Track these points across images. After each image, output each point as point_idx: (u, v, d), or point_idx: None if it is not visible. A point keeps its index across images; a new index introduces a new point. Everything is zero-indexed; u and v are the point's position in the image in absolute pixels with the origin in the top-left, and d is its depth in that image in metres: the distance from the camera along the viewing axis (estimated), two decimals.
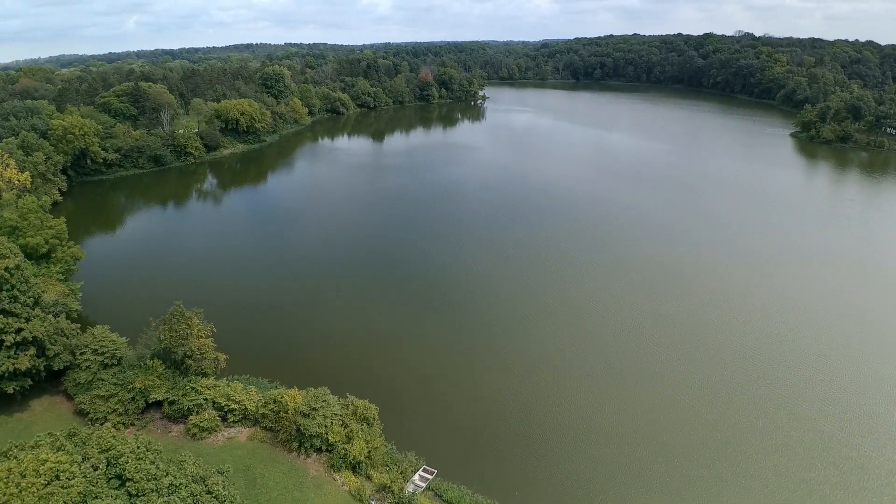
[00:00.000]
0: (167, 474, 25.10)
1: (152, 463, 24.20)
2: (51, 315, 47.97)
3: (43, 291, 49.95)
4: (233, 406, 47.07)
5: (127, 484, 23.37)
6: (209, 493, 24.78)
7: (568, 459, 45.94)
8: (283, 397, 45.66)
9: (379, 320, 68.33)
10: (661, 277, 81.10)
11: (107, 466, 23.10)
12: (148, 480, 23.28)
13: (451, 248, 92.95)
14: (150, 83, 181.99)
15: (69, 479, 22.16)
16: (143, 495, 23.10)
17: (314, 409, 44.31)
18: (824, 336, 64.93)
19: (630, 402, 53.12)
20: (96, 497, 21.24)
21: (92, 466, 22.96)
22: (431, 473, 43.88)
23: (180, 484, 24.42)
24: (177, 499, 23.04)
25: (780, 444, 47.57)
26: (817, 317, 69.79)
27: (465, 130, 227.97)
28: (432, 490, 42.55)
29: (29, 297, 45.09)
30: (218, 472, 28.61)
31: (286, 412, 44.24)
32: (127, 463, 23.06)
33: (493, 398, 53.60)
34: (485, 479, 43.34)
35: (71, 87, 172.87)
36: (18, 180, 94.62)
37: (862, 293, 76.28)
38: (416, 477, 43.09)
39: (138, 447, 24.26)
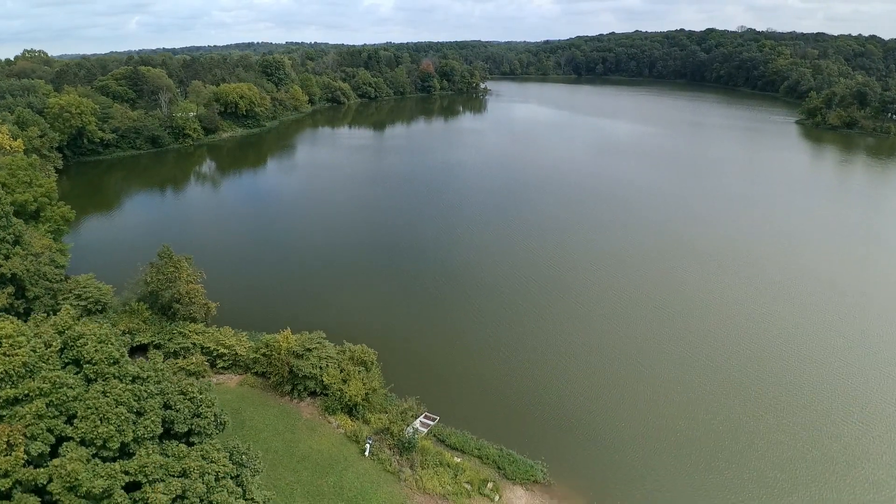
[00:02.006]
0: (133, 364, 22.78)
1: (118, 350, 21.76)
2: (32, 256, 45.77)
3: (25, 231, 47.74)
4: (222, 351, 44.77)
5: (84, 367, 20.71)
6: (182, 393, 22.43)
7: (577, 411, 43.70)
8: (275, 340, 43.33)
9: (379, 280, 66.25)
10: (673, 248, 79.02)
11: (63, 350, 20.57)
12: (110, 365, 20.79)
13: (455, 216, 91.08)
14: (149, 67, 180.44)
15: (14, 349, 19.78)
16: (104, 380, 20.60)
17: (308, 349, 41.98)
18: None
19: (635, 352, 51.04)
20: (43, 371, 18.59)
21: (44, 343, 20.49)
22: (433, 420, 41.46)
23: (148, 377, 22.00)
24: (141, 388, 20.61)
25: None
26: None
27: (467, 119, 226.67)
28: (434, 436, 40.17)
29: (9, 234, 42.89)
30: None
31: (278, 353, 41.87)
32: (86, 345, 20.55)
33: (499, 353, 51.41)
34: (489, 428, 40.97)
35: (69, 70, 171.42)
36: (11, 146, 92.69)
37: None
38: (417, 423, 40.61)
39: (102, 332, 21.86)
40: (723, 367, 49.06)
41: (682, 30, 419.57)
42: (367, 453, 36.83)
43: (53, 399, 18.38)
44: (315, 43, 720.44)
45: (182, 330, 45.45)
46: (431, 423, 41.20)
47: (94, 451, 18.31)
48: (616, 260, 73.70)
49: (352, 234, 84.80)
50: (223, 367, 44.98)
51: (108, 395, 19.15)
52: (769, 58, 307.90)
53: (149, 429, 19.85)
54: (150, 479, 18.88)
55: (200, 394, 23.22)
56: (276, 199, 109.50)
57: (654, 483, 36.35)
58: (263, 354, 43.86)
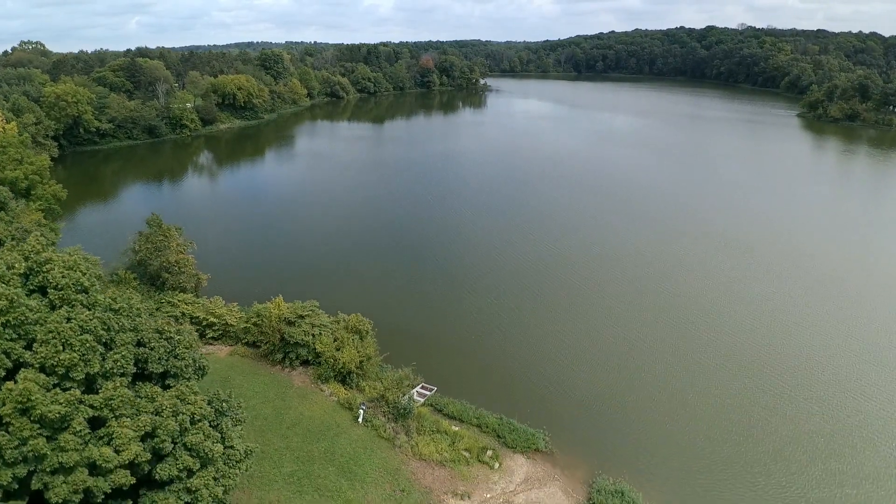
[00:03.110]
0: (104, 295, 21.23)
1: (88, 279, 20.19)
2: (17, 224, 44.32)
3: (11, 199, 46.32)
4: (212, 320, 43.32)
5: (49, 293, 18.89)
6: (159, 332, 20.87)
7: (580, 382, 42.33)
8: (266, 309, 41.85)
9: (376, 257, 64.97)
10: (678, 224, 77.80)
11: (28, 276, 18.86)
12: (77, 292, 19.19)
13: (454, 197, 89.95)
14: (147, 59, 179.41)
15: None
16: (70, 306, 18.99)
17: (301, 316, 40.51)
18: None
19: (641, 325, 49.74)
20: None
21: (6, 265, 18.91)
22: (430, 390, 39.96)
23: (121, 309, 20.39)
24: (112, 319, 18.98)
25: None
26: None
27: (467, 113, 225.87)
28: (431, 405, 38.66)
29: None
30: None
31: (269, 320, 40.39)
32: (52, 271, 18.93)
33: (499, 326, 50.01)
34: (488, 399, 39.40)
35: (67, 61, 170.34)
36: (4, 128, 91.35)
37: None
38: (414, 392, 39.05)
39: (72, 259, 20.32)
40: (734, 341, 47.66)
41: (682, 27, 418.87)
42: (360, 420, 35.33)
43: (10, 319, 16.64)
44: (315, 42, 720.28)
45: (171, 299, 44.00)
46: (429, 393, 39.72)
47: (56, 381, 16.81)
48: (620, 232, 73.30)
49: (352, 217, 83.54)
50: (213, 338, 43.51)
51: (72, 320, 17.68)
52: (770, 54, 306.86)
53: (118, 363, 18.26)
54: (117, 414, 17.40)
55: (178, 334, 21.74)
56: (274, 186, 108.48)
57: (663, 455, 34.87)
58: (254, 324, 42.39)
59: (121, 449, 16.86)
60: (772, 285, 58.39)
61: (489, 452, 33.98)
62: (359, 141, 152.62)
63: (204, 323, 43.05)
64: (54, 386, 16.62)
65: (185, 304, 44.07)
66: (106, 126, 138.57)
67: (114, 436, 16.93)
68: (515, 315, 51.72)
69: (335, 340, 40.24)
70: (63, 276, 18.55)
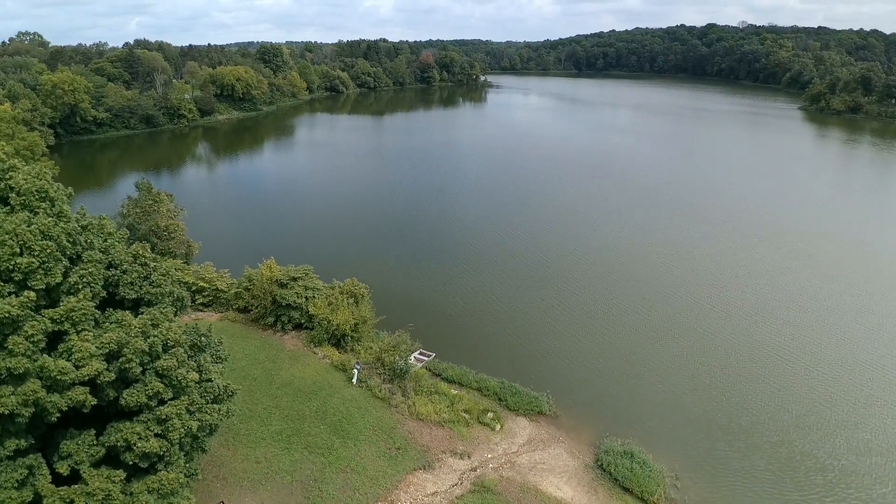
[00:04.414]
0: (75, 212, 19.52)
1: (55, 191, 18.38)
2: None
3: None
4: (202, 285, 41.66)
5: (10, 197, 16.61)
6: (135, 258, 19.15)
7: (586, 347, 40.88)
8: (258, 273, 40.18)
9: (374, 228, 63.87)
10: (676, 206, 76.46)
11: None
12: (41, 200, 17.46)
13: (454, 180, 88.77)
14: (146, 50, 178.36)
15: None
16: (31, 210, 17.19)
17: (294, 279, 38.83)
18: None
19: (648, 289, 48.25)
20: None
21: None
22: (428, 356, 38.25)
23: (89, 224, 18.63)
24: (80, 234, 17.24)
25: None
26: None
27: (468, 108, 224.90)
28: (429, 370, 36.94)
29: None
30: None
31: (261, 281, 38.72)
32: (15, 176, 17.23)
33: (500, 294, 48.48)
34: (489, 366, 37.66)
35: (65, 52, 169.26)
36: None
37: None
38: (412, 358, 37.36)
39: (38, 169, 18.60)
40: (752, 306, 46.17)
41: (682, 25, 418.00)
42: (354, 381, 33.59)
43: None
44: (315, 42, 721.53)
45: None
46: (426, 358, 38.00)
47: (12, 290, 15.06)
48: (623, 200, 72.47)
49: (352, 195, 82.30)
50: (203, 304, 41.87)
51: (34, 225, 15.94)
52: (771, 50, 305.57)
53: (85, 279, 16.61)
54: (79, 329, 15.72)
55: (155, 261, 20.07)
56: (274, 171, 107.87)
57: (674, 420, 33.17)
58: (245, 288, 40.74)
59: (80, 364, 15.18)
60: (789, 257, 56.97)
61: (490, 414, 32.24)
62: (358, 131, 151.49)
63: (193, 288, 41.33)
64: (10, 294, 14.92)
65: (175, 269, 42.26)
66: (103, 115, 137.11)
67: (73, 350, 15.23)
68: (517, 286, 50.12)
69: (329, 304, 38.57)
70: (26, 182, 16.91)
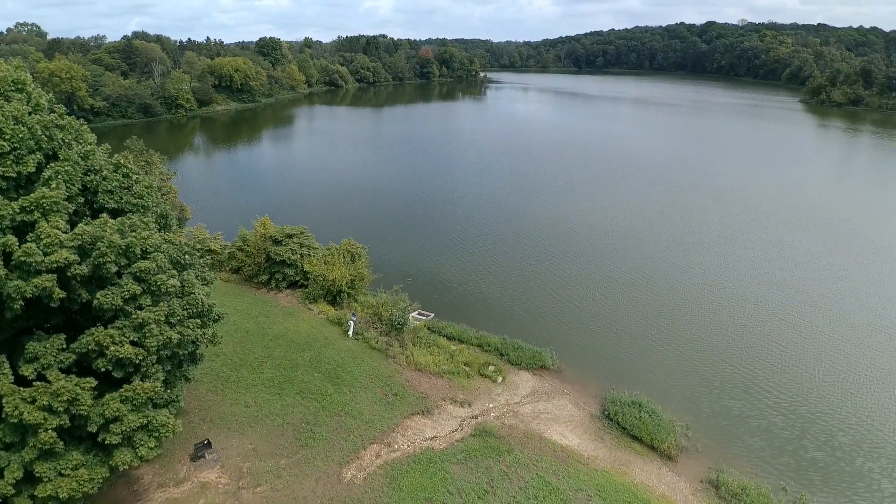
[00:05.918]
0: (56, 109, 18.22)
1: (35, 90, 17.24)
2: None
3: None
4: (196, 246, 40.27)
5: None
6: (117, 167, 17.93)
7: (591, 306, 39.70)
8: (252, 231, 38.95)
9: (374, 201, 62.41)
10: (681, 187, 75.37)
11: None
12: (15, 89, 16.12)
13: (453, 161, 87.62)
14: (144, 41, 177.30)
15: None
16: (4, 97, 16.01)
17: (289, 235, 37.60)
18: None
19: (652, 251, 47.11)
20: None
21: None
22: (427, 316, 36.98)
23: (68, 125, 17.32)
24: (59, 131, 15.95)
25: None
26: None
27: (468, 102, 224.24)
28: (430, 329, 35.64)
29: None
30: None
31: (255, 238, 37.49)
32: None
33: (501, 256, 47.36)
34: (491, 326, 36.42)
35: (63, 43, 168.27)
36: None
37: None
38: (410, 317, 36.10)
39: (16, 63, 17.39)
40: (762, 263, 44.97)
41: (682, 23, 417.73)
42: (350, 333, 32.34)
43: None
44: (315, 40, 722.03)
45: None
46: (425, 318, 36.75)
47: None
48: (626, 167, 71.36)
49: (352, 172, 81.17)
50: None
51: (4, 109, 14.67)
52: (771, 46, 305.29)
53: (60, 176, 15.33)
54: (49, 219, 14.40)
55: (137, 174, 18.90)
56: (273, 156, 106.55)
57: (685, 377, 31.90)
58: (239, 248, 39.50)
59: (48, 251, 13.93)
60: (804, 229, 55.84)
61: (491, 367, 30.98)
62: (359, 120, 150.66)
63: (185, 250, 39.99)
64: None
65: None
66: (100, 104, 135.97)
67: (41, 235, 13.97)
68: (519, 247, 48.98)
69: (326, 263, 37.35)
70: (2, 70, 15.69)
